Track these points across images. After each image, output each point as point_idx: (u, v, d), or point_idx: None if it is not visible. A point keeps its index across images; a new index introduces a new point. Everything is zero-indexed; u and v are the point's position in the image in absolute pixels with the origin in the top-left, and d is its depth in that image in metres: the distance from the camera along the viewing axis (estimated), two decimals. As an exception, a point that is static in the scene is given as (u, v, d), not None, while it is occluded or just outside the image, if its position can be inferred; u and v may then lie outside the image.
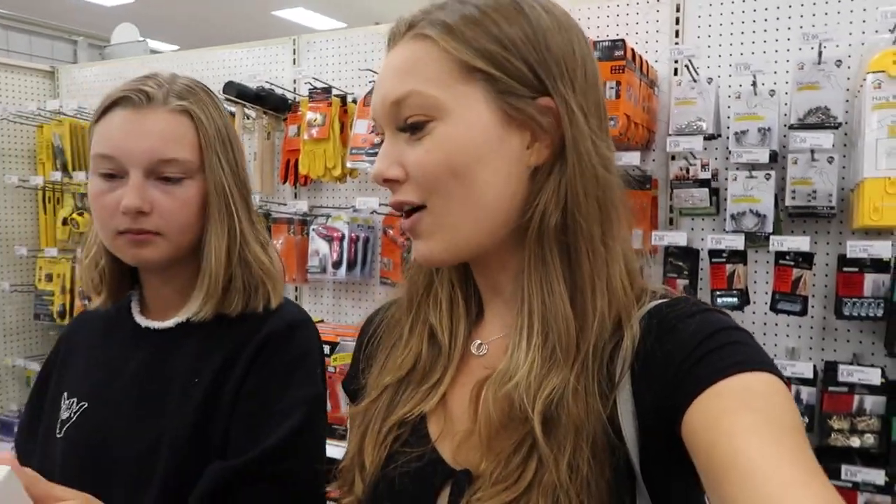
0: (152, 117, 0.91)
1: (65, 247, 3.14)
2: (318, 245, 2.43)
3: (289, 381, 0.93)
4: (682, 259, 2.00)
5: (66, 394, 1.00)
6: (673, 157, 1.99)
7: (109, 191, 0.91)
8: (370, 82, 2.33)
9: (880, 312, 1.78)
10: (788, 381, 1.87)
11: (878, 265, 1.78)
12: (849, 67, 1.80)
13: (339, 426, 2.26)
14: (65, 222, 3.08)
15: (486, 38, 0.62)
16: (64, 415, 0.98)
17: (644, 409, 0.60)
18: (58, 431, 0.97)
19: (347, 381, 0.81)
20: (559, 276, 0.63)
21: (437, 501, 0.66)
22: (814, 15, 1.90)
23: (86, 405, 0.97)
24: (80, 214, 3.04)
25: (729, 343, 0.58)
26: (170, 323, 0.98)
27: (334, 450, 2.33)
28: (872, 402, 1.79)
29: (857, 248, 1.72)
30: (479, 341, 0.72)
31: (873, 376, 1.75)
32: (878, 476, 1.74)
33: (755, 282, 1.98)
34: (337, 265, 2.40)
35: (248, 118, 2.58)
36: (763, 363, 0.56)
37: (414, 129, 0.63)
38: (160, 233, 0.92)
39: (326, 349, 2.23)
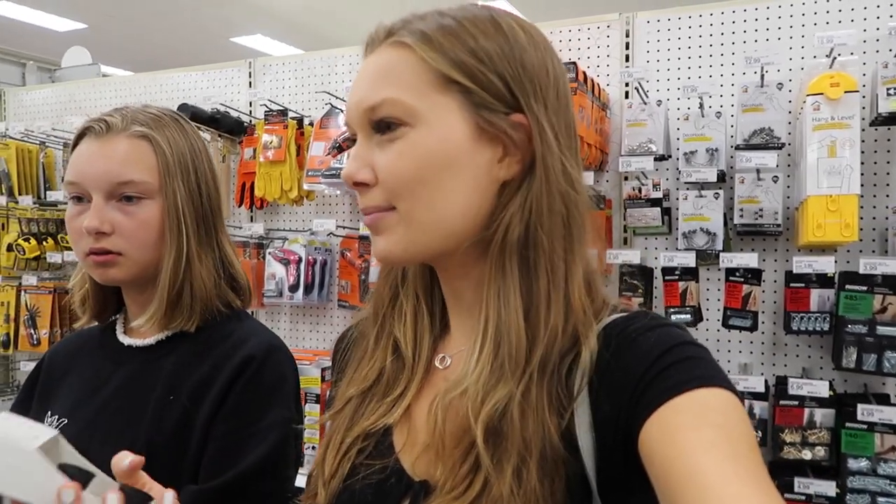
0: (112, 143, 0.98)
1: (10, 274, 3.03)
2: (274, 268, 2.40)
3: (267, 404, 0.96)
4: (637, 277, 2.03)
5: (49, 412, 1.03)
6: (626, 178, 2.03)
7: (78, 215, 0.98)
8: (326, 104, 2.35)
9: (826, 326, 1.83)
10: (742, 396, 1.89)
11: (823, 280, 1.84)
12: (790, 91, 1.88)
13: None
14: (10, 248, 2.97)
15: (463, 51, 0.63)
16: None
17: (601, 422, 0.60)
18: None
19: (331, 392, 0.83)
20: (516, 289, 0.63)
21: None
22: (756, 41, 1.98)
23: (66, 421, 1.00)
24: (27, 240, 2.94)
25: (686, 358, 0.58)
26: (150, 340, 1.03)
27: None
28: (822, 415, 1.83)
29: (802, 264, 1.77)
30: (443, 354, 0.72)
31: (822, 389, 1.80)
32: (829, 488, 1.78)
33: (707, 298, 2.03)
34: (294, 288, 2.37)
35: (202, 141, 2.56)
36: (719, 379, 0.57)
37: (387, 127, 0.63)
38: (121, 253, 0.97)
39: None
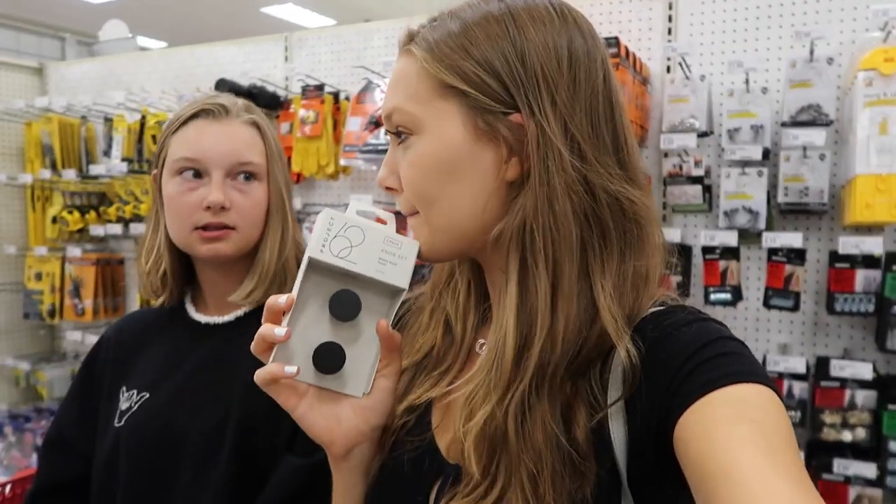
0: (231, 126, 1.05)
1: (54, 245, 3.11)
2: (312, 243, 2.42)
3: None
4: (676, 256, 2.00)
5: (124, 388, 1.07)
6: (666, 155, 2.00)
7: (191, 190, 1.03)
8: (363, 79, 2.34)
9: (871, 308, 1.80)
10: (780, 377, 1.88)
11: (869, 261, 1.80)
12: (840, 65, 1.82)
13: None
14: (54, 220, 3.05)
15: (461, 56, 0.63)
16: (124, 405, 1.05)
17: (635, 416, 0.60)
18: (116, 421, 1.04)
19: None
20: (513, 291, 0.63)
21: (431, 492, 0.67)
22: (805, 13, 1.92)
23: (147, 395, 1.05)
24: (70, 212, 3.01)
25: (724, 353, 0.57)
26: (229, 317, 1.08)
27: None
28: (864, 397, 1.81)
29: (848, 244, 1.74)
30: (482, 340, 0.73)
31: (864, 371, 1.77)
32: (869, 469, 1.76)
33: (748, 278, 2.00)
34: (331, 262, 2.39)
35: (240, 115, 2.58)
36: (758, 375, 0.56)
37: (399, 135, 0.67)
38: (235, 227, 1.03)
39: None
